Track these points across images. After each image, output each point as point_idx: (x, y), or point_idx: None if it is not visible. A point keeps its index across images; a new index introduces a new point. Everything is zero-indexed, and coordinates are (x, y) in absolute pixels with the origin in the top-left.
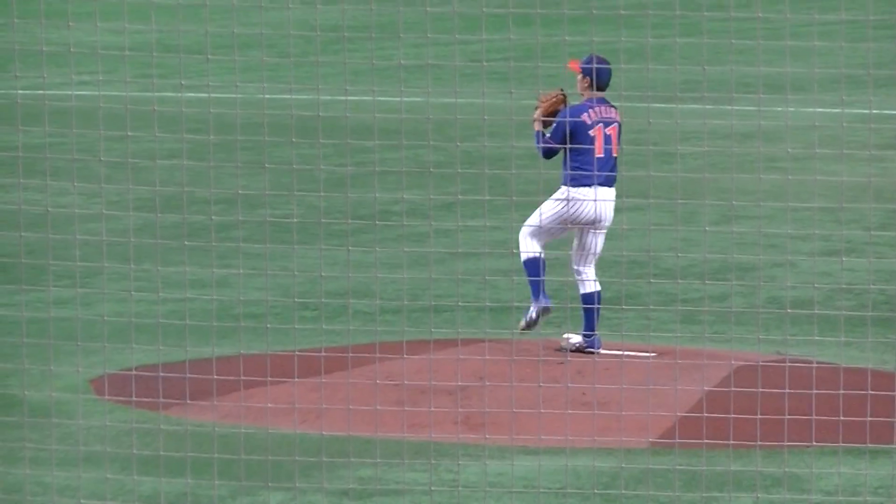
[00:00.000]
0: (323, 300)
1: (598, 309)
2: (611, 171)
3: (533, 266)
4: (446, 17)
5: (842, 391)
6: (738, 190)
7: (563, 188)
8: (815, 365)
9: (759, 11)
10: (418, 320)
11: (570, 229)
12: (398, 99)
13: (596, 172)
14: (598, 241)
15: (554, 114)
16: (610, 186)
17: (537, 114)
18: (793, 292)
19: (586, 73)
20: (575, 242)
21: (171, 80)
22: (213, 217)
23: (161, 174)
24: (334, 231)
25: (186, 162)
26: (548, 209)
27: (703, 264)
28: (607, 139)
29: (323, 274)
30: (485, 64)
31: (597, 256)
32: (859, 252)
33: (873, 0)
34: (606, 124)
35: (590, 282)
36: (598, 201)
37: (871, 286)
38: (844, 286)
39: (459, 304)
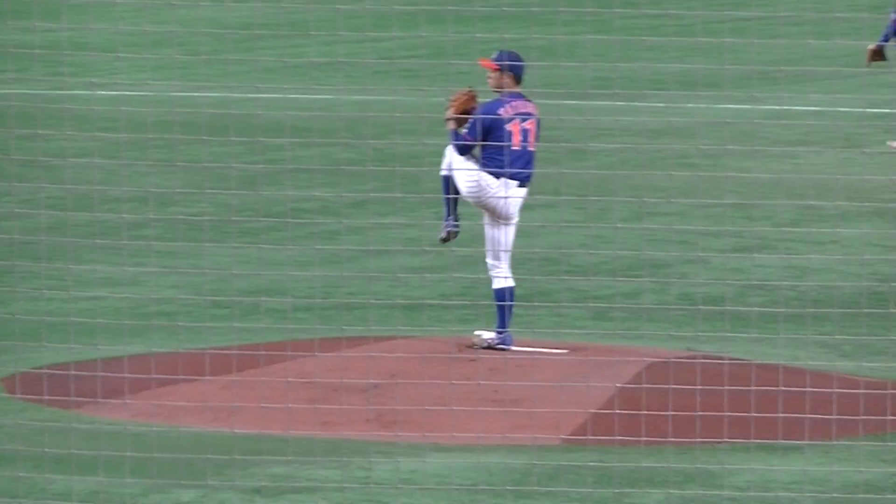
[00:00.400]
0: (235, 298)
1: (510, 305)
2: (525, 166)
3: (446, 183)
4: (357, 14)
5: (753, 387)
6: (649, 187)
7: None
8: (726, 361)
9: (671, 8)
10: (330, 318)
11: (476, 206)
12: (310, 96)
13: (510, 167)
14: (507, 236)
15: (466, 111)
16: (523, 185)
17: (449, 113)
18: (704, 289)
19: (507, 68)
20: (486, 236)
21: (82, 79)
22: (124, 215)
23: (72, 173)
24: (246, 229)
25: (98, 160)
26: (460, 179)
27: (615, 261)
28: (525, 134)
29: (234, 272)
30: (396, 61)
31: (508, 252)
32: (771, 248)
33: None
34: (524, 119)
35: (501, 278)
36: (506, 198)
37: (783, 282)
38: (756, 282)
39: (371, 301)
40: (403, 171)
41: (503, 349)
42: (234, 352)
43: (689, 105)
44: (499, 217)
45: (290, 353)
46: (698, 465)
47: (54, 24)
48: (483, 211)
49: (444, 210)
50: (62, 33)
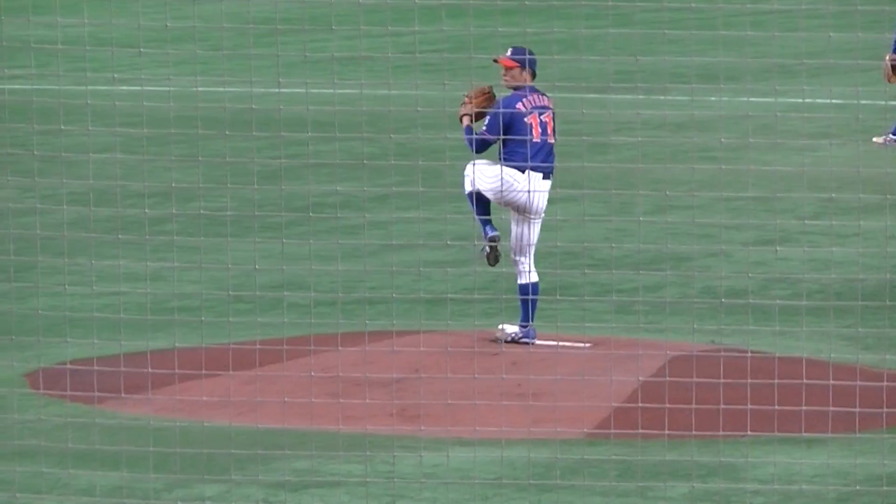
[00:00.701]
0: (257, 293)
1: (534, 300)
2: (546, 158)
3: (471, 201)
4: (379, 8)
5: (776, 380)
6: (671, 180)
7: (498, 166)
8: (749, 354)
9: (692, 2)
10: (353, 312)
11: (502, 205)
12: (331, 91)
13: (531, 158)
14: (533, 231)
15: (484, 108)
16: (546, 177)
17: (467, 109)
18: (727, 282)
19: (524, 63)
20: (511, 231)
21: (104, 74)
22: (146, 210)
23: (94, 168)
24: (268, 224)
25: (120, 155)
26: (482, 179)
27: (638, 255)
28: (543, 127)
29: (257, 267)
30: (418, 56)
31: (533, 246)
32: (793, 241)
33: None
34: (541, 112)
35: (527, 272)
36: (532, 192)
37: (805, 275)
38: (778, 275)
39: (394, 295)
40: (425, 165)
41: (526, 343)
42: (256, 346)
43: (711, 98)
44: (526, 212)
45: (312, 347)
46: (722, 459)
47: (76, 19)
48: (509, 208)
49: (480, 226)
50: (84, 29)
